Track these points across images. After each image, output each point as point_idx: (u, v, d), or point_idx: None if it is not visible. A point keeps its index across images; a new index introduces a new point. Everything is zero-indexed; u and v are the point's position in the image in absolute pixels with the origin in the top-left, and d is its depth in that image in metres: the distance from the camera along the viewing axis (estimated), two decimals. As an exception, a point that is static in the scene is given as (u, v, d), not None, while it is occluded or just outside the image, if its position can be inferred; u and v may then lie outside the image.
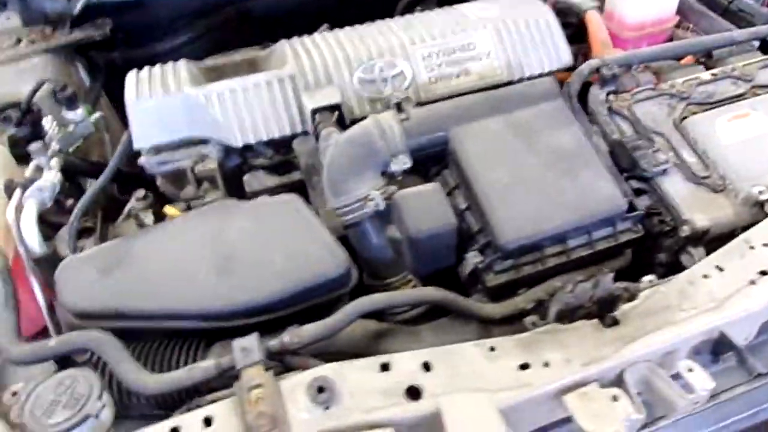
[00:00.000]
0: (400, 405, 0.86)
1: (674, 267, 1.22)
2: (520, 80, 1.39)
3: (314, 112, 1.26)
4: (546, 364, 0.89)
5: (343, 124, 1.28)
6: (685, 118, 1.33)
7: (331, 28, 1.59)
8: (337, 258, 1.04)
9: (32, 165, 1.33)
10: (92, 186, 1.24)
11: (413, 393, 0.87)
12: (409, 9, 1.80)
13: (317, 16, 1.93)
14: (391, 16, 1.75)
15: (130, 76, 1.31)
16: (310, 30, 1.65)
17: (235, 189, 1.33)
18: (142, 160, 1.29)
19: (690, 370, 0.89)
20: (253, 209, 1.10)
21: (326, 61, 1.31)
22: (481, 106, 1.20)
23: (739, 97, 1.37)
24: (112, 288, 1.02)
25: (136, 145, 1.27)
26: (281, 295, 1.01)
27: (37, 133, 1.51)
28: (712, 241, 1.20)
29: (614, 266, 1.20)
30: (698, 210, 1.20)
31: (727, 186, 1.23)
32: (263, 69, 1.45)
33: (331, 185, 1.14)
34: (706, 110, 1.35)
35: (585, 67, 1.35)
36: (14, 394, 0.96)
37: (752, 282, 0.98)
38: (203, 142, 1.30)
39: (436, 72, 1.35)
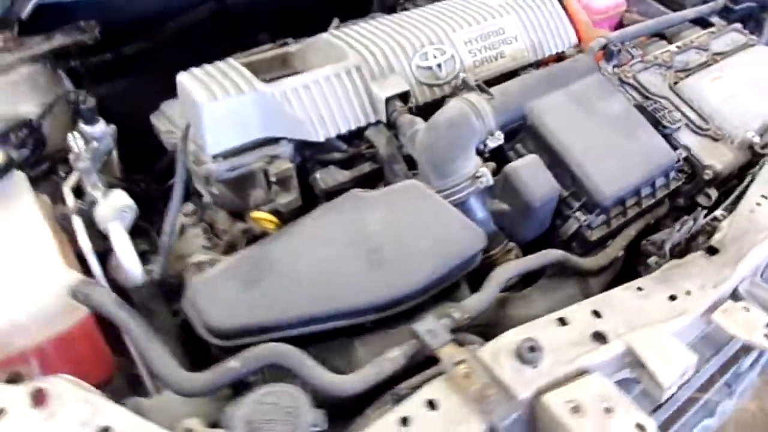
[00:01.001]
0: (595, 350, 0.94)
1: (691, 208, 1.45)
2: (543, 60, 1.54)
3: (388, 100, 1.27)
4: (688, 293, 1.04)
5: (410, 111, 1.31)
6: (676, 83, 1.58)
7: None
8: (476, 234, 1.08)
9: (71, 187, 1.17)
10: (172, 206, 1.12)
11: (600, 338, 0.96)
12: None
13: (294, 14, 1.90)
14: (366, 13, 1.79)
15: (184, 78, 1.20)
16: (289, 28, 1.64)
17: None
18: (210, 167, 1.19)
19: (783, 276, 1.11)
20: (382, 198, 1.09)
21: (384, 51, 1.33)
22: (542, 83, 1.32)
23: (705, 64, 1.66)
24: (263, 299, 0.95)
25: (210, 151, 1.17)
26: (433, 278, 1.03)
27: (40, 155, 1.31)
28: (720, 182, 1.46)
29: (660, 213, 1.40)
30: (710, 157, 1.45)
31: (724, 135, 1.49)
32: (299, 65, 1.42)
33: (436, 167, 1.17)
34: (688, 76, 1.62)
35: (595, 44, 1.53)
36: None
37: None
38: (271, 141, 1.24)
39: (478, 56, 1.43)
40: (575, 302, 1.20)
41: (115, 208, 1.04)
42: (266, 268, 0.98)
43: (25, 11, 1.47)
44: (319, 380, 0.88)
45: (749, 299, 1.09)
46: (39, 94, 1.32)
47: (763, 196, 1.25)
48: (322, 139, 1.24)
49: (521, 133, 1.30)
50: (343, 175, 1.30)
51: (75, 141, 1.20)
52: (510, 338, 0.94)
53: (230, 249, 1.24)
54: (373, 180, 1.33)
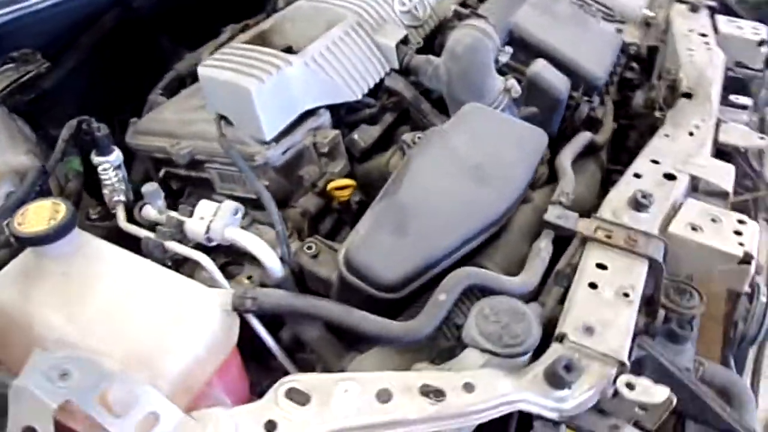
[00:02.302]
0: (674, 186, 1.14)
1: (622, 82, 1.76)
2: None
3: (397, 46, 1.32)
4: (697, 127, 1.30)
5: (415, 52, 1.37)
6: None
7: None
8: (540, 133, 1.21)
9: (124, 219, 1.04)
10: (268, 202, 1.05)
11: (669, 177, 1.17)
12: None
13: (198, 11, 1.82)
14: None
15: (209, 71, 1.11)
16: (198, 25, 1.62)
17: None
18: (267, 154, 1.14)
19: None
20: (458, 124, 1.15)
21: (371, 4, 1.36)
22: (510, 2, 1.47)
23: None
24: (415, 242, 0.97)
25: (268, 137, 1.11)
26: (528, 179, 1.14)
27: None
28: (637, 55, 1.78)
29: (615, 98, 1.67)
30: (628, 37, 1.75)
31: (627, 19, 1.81)
32: (281, 39, 1.38)
33: (473, 91, 1.27)
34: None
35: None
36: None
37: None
38: (310, 114, 1.22)
39: (436, -6, 1.53)
40: (598, 176, 1.42)
41: (226, 215, 0.95)
42: (404, 214, 1.00)
43: None
44: (508, 285, 0.95)
45: (728, 121, 1.40)
46: (17, 140, 1.12)
47: (689, 48, 1.58)
48: (359, 96, 1.25)
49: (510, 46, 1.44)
50: (375, 131, 1.33)
51: (107, 173, 1.06)
52: (617, 197, 1.10)
53: (299, 234, 1.21)
54: (395, 129, 1.38)
